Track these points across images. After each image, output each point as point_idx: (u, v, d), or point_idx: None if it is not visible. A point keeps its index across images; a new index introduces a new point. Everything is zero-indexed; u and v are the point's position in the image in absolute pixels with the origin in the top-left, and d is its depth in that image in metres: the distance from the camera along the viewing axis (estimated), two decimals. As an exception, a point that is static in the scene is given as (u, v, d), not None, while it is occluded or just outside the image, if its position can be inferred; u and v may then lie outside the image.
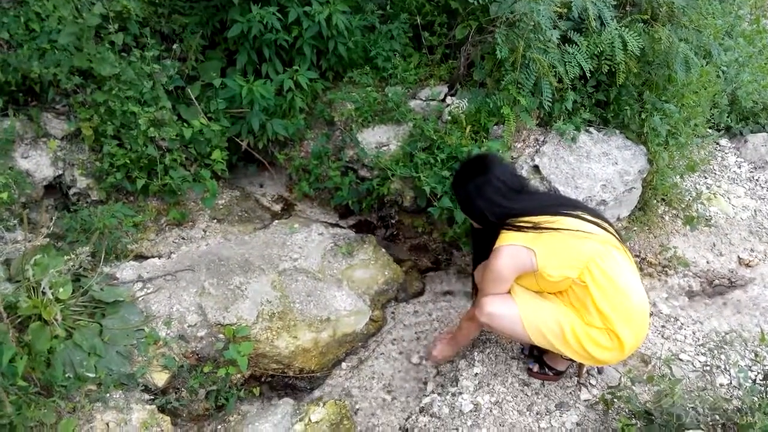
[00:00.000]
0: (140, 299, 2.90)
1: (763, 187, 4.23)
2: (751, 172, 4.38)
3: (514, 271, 2.37)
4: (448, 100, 3.70)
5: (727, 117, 4.56)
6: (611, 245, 2.31)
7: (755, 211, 3.99)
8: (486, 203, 2.40)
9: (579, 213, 2.36)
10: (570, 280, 2.30)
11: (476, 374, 2.78)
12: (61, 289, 2.48)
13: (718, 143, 4.59)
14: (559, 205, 2.44)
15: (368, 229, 3.86)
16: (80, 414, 2.42)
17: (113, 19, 3.26)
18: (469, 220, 2.62)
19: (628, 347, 2.31)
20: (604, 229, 2.36)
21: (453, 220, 3.34)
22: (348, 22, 3.65)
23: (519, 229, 2.33)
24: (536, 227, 2.30)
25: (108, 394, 2.52)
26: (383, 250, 3.58)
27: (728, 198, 4.08)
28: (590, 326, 2.30)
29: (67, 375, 2.45)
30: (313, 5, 3.56)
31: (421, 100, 3.77)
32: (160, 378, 2.68)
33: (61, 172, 3.39)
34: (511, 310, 2.39)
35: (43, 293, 2.44)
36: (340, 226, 3.80)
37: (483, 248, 2.59)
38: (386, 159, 3.56)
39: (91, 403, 2.46)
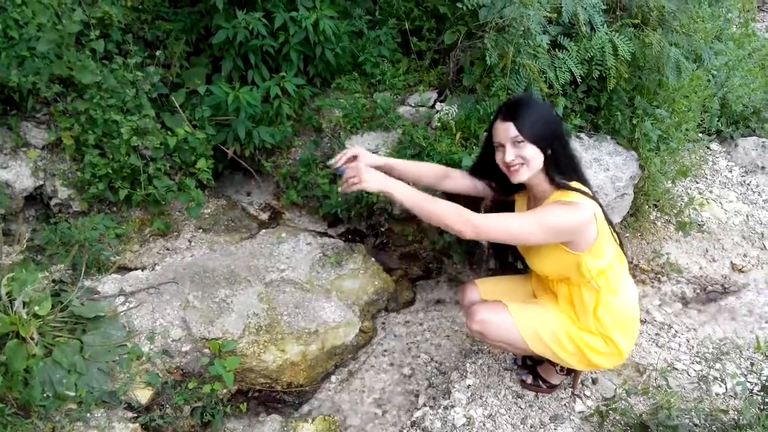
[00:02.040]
0: (122, 314, 2.83)
1: (754, 192, 4.21)
2: (743, 176, 4.36)
3: (576, 235, 2.06)
4: (438, 106, 3.65)
5: (718, 121, 4.55)
6: (617, 253, 2.26)
7: (747, 215, 3.97)
8: (563, 144, 2.13)
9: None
10: (588, 278, 2.17)
11: (469, 386, 2.72)
12: (38, 306, 2.40)
13: (709, 147, 4.58)
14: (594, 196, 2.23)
15: (357, 238, 3.79)
16: (60, 434, 2.34)
17: (94, 26, 3.20)
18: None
19: (626, 353, 2.28)
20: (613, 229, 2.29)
21: (443, 228, 3.28)
22: (335, 27, 3.60)
23: (589, 196, 2.09)
24: (604, 212, 2.11)
25: (89, 413, 2.43)
26: (373, 259, 3.52)
27: (720, 203, 4.06)
28: (584, 331, 2.26)
29: (45, 394, 2.37)
30: (299, 10, 3.50)
31: (410, 106, 3.71)
32: (143, 395, 2.60)
33: (41, 182, 3.31)
34: (504, 317, 2.31)
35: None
36: (329, 235, 3.73)
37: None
38: (375, 166, 3.50)
39: (71, 422, 2.38)
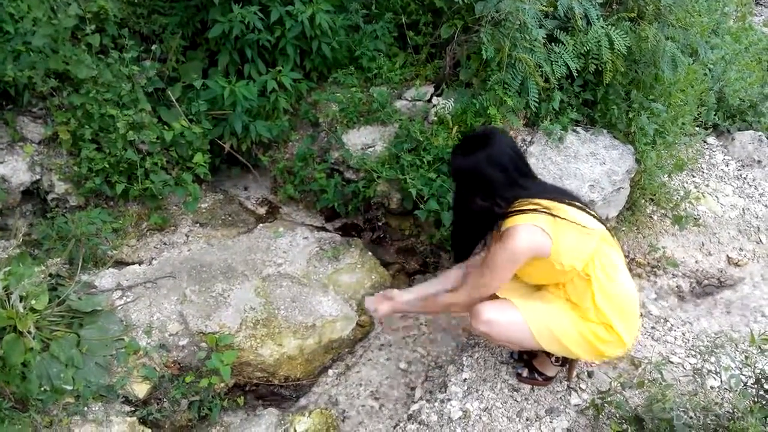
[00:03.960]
0: (119, 308, 2.83)
1: (751, 186, 4.22)
2: (739, 170, 4.37)
3: (530, 254, 2.18)
4: (434, 100, 3.65)
5: (714, 115, 4.55)
6: (607, 243, 2.28)
7: (743, 209, 3.97)
8: (501, 175, 2.21)
9: (580, 205, 2.30)
10: (575, 272, 2.21)
11: (465, 380, 2.73)
12: (35, 300, 2.40)
13: (705, 141, 4.58)
14: (562, 194, 2.33)
15: (354, 232, 3.80)
16: (57, 428, 2.35)
17: (90, 20, 3.19)
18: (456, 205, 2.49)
19: (629, 341, 2.29)
20: (602, 223, 2.31)
21: (440, 222, 3.29)
22: (332, 21, 3.59)
23: (533, 211, 2.17)
24: (551, 213, 2.17)
25: (86, 407, 2.44)
26: (370, 253, 3.52)
27: (716, 197, 4.06)
28: (588, 321, 2.27)
29: (43, 388, 2.38)
30: (295, 4, 3.50)
31: (407, 100, 3.71)
32: (140, 389, 2.61)
33: (38, 177, 3.31)
34: (514, 316, 2.29)
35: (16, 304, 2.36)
36: (326, 230, 3.74)
37: (469, 237, 2.52)
38: (372, 160, 3.51)
39: (68, 416, 2.39)
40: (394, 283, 3.50)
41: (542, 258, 2.20)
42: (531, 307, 2.32)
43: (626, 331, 2.27)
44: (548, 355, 2.58)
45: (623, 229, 3.62)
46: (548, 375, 2.63)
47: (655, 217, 3.83)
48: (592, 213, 2.31)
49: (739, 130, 4.64)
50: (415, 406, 2.68)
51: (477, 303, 2.34)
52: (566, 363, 2.64)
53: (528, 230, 2.15)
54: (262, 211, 3.89)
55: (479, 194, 2.28)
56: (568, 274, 2.23)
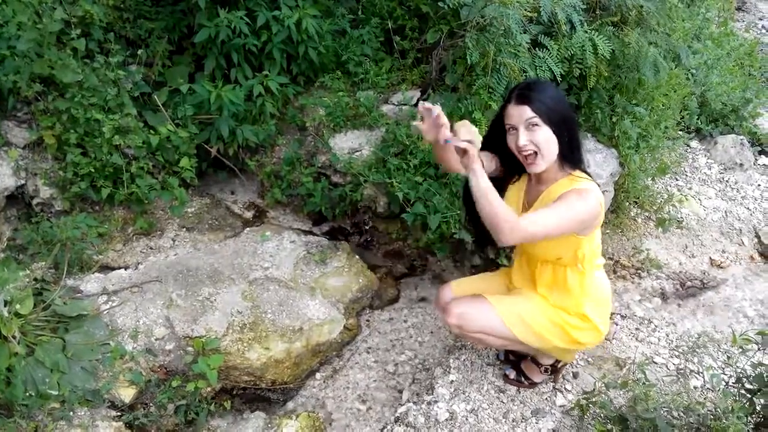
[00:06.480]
0: (105, 312, 2.82)
1: (733, 189, 4.28)
2: (722, 173, 4.43)
3: (584, 225, 2.10)
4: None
5: (697, 119, 4.61)
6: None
7: (726, 212, 4.03)
8: (576, 133, 2.17)
9: None
10: (574, 262, 2.22)
11: (452, 381, 2.74)
12: (19, 305, 2.39)
13: (688, 145, 4.64)
14: None
15: (342, 236, 3.81)
16: (43, 433, 2.34)
17: (76, 25, 3.19)
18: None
19: (602, 328, 2.34)
20: None
21: (427, 225, 3.30)
22: (318, 26, 3.61)
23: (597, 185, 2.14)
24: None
25: (72, 412, 2.44)
26: (357, 256, 3.53)
27: (699, 199, 4.12)
28: (562, 309, 2.30)
29: (28, 393, 2.36)
30: (282, 9, 3.51)
31: (394, 104, 3.73)
32: (126, 393, 2.60)
33: (23, 181, 3.29)
34: (484, 307, 2.32)
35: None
36: (313, 233, 3.75)
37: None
38: (359, 164, 3.52)
39: (54, 421, 2.38)
40: (382, 286, 3.52)
41: (578, 235, 2.14)
42: (502, 299, 2.36)
43: (599, 318, 2.33)
44: (537, 363, 2.61)
45: (607, 231, 3.65)
46: (534, 380, 2.65)
47: (639, 220, 3.87)
48: None
49: (721, 134, 4.71)
50: (402, 409, 2.68)
51: (517, 236, 1.99)
52: (554, 372, 2.66)
53: (598, 198, 2.08)
54: (249, 215, 3.89)
55: (566, 135, 2.11)
56: (573, 258, 2.22)
